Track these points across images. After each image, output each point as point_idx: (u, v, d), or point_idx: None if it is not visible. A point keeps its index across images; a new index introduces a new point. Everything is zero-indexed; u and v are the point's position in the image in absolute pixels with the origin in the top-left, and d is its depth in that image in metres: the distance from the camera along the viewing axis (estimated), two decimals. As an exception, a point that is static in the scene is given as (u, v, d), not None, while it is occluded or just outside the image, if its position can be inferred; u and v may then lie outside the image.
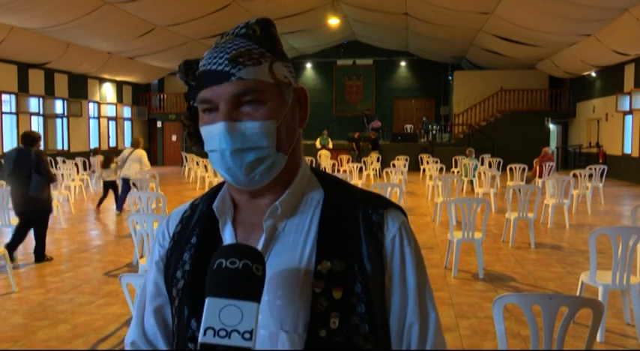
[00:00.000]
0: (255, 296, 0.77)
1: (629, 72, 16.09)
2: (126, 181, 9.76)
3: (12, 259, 6.19)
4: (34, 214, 6.30)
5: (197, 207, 1.03)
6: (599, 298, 3.98)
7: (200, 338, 0.74)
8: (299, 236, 0.92)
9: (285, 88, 0.93)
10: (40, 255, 6.44)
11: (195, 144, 0.97)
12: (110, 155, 10.59)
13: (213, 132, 0.90)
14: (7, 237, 7.14)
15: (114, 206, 10.57)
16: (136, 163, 9.80)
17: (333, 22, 18.46)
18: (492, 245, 7.24)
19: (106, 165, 10.16)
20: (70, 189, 11.80)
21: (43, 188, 6.23)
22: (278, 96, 0.92)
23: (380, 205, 0.96)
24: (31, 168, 6.10)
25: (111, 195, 10.48)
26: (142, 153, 9.95)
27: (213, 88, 0.89)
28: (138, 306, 1.06)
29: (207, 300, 0.77)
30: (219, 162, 0.91)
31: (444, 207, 8.69)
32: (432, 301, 0.96)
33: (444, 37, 19.86)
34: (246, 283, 0.77)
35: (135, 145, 10.19)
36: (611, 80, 17.30)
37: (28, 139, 6.32)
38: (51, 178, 6.37)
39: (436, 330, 0.95)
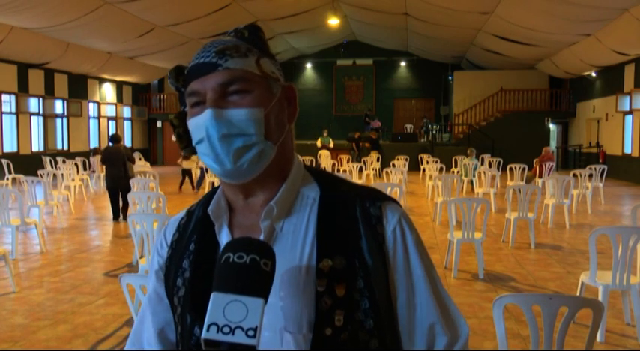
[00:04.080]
0: (262, 292, 0.75)
1: (629, 72, 16.08)
2: (201, 170, 13.18)
3: (118, 219, 9.06)
4: (126, 188, 8.69)
5: (193, 213, 1.02)
6: (599, 298, 3.98)
7: (203, 334, 0.72)
8: (297, 236, 0.91)
9: (272, 81, 0.93)
10: (125, 215, 8.87)
11: (185, 147, 0.97)
12: None
13: (200, 121, 0.89)
14: (7, 237, 7.20)
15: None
16: None
17: (333, 22, 18.45)
18: (492, 245, 7.23)
19: (187, 156, 12.67)
20: (70, 189, 11.79)
21: (132, 171, 9.08)
22: (265, 87, 0.92)
23: (377, 198, 0.95)
24: (124, 158, 8.84)
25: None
26: None
27: (201, 79, 0.90)
28: (141, 311, 1.07)
29: (212, 295, 0.75)
30: (207, 151, 0.89)
31: (444, 207, 8.69)
32: (452, 302, 0.97)
33: (444, 37, 19.85)
34: (252, 278, 0.76)
35: None
36: (611, 80, 17.30)
37: (116, 139, 9.21)
38: (134, 163, 9.37)
39: (467, 346, 0.96)
